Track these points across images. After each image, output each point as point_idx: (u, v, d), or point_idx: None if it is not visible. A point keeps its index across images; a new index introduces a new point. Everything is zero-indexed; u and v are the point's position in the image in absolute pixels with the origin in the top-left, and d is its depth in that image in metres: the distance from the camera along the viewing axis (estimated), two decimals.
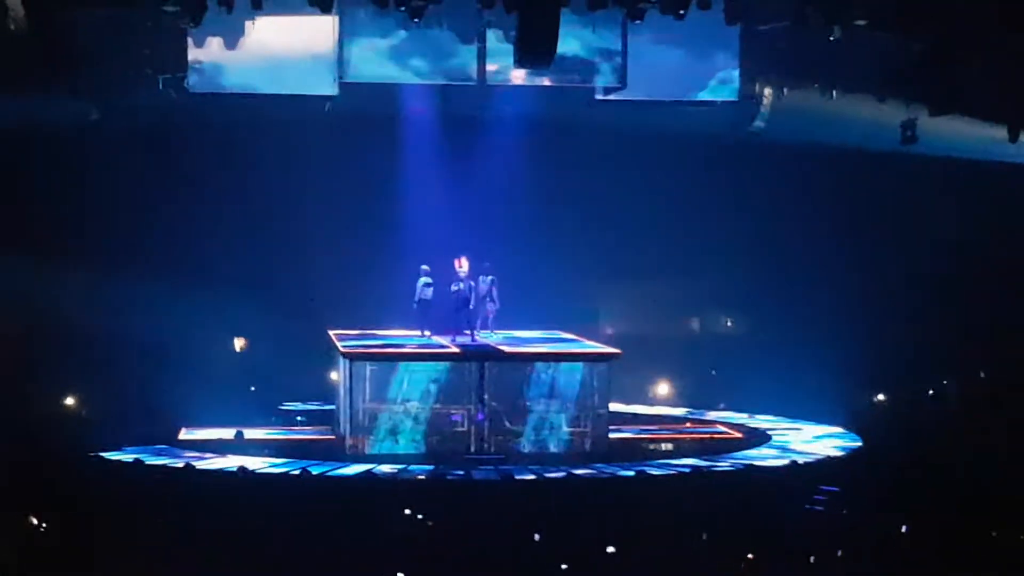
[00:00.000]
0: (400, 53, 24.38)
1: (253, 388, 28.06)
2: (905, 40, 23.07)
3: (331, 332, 25.77)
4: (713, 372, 30.11)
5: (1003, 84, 23.56)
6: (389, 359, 23.72)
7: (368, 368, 23.47)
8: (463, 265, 24.93)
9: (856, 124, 25.75)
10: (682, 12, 22.44)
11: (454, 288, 24.91)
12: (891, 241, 29.41)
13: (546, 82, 25.09)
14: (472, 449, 23.38)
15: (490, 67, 24.73)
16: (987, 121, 24.79)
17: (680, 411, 28.59)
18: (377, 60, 24.33)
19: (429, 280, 25.27)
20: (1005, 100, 24.04)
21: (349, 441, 23.65)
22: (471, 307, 24.98)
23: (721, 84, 25.22)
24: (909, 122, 24.49)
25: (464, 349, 24.11)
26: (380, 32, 24.12)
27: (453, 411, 23.48)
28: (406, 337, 25.54)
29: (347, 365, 23.82)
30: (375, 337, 25.60)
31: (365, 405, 23.38)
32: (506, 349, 24.20)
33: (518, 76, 24.57)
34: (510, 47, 23.19)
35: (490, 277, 25.29)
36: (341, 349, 24.44)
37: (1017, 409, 24.75)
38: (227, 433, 24.57)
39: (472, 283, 24.96)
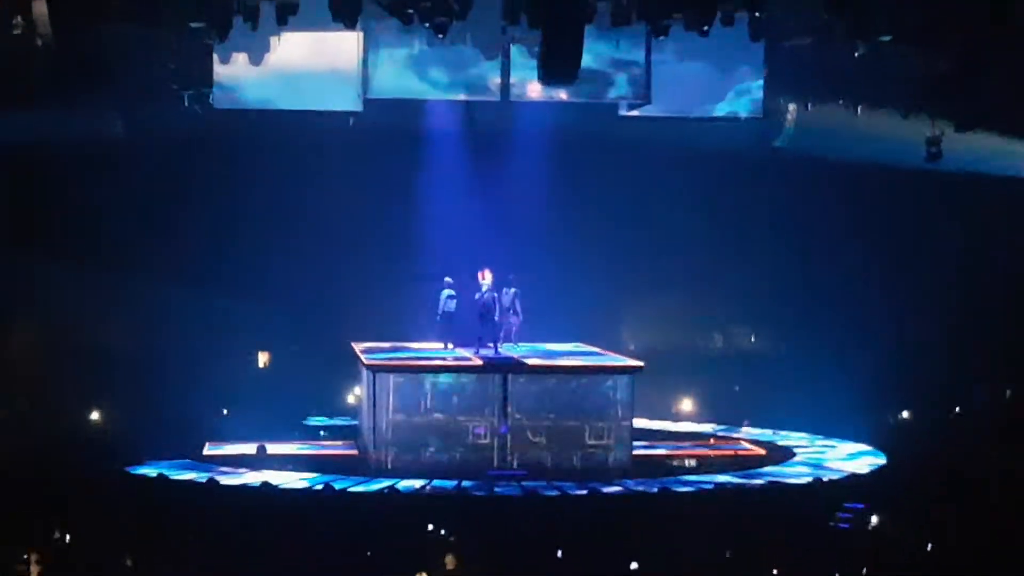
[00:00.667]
0: (424, 68, 24.39)
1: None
2: (930, 56, 22.98)
3: (355, 345, 25.80)
4: (736, 388, 30.05)
5: None
6: (413, 371, 23.72)
7: (392, 380, 23.45)
8: (486, 277, 24.97)
9: (881, 140, 25.70)
10: (706, 28, 22.39)
11: (477, 299, 24.93)
12: (917, 257, 29.30)
13: (563, 96, 24.92)
14: (495, 462, 23.34)
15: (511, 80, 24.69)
16: (1013, 137, 24.71)
17: (704, 427, 28.51)
18: (401, 76, 24.30)
19: (453, 292, 25.32)
20: None
21: (373, 455, 23.64)
22: (495, 319, 24.99)
23: (739, 96, 25.11)
24: (934, 138, 24.38)
25: (487, 361, 24.10)
26: (404, 48, 24.10)
27: (476, 423, 23.44)
28: (430, 350, 25.55)
29: (371, 377, 23.82)
30: (399, 350, 25.62)
31: (389, 417, 23.35)
32: (529, 361, 24.19)
33: (535, 90, 24.46)
34: (532, 62, 23.21)
35: (513, 289, 25.33)
36: (365, 362, 24.45)
37: None
38: (251, 448, 24.60)
39: (496, 295, 24.98)
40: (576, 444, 23.58)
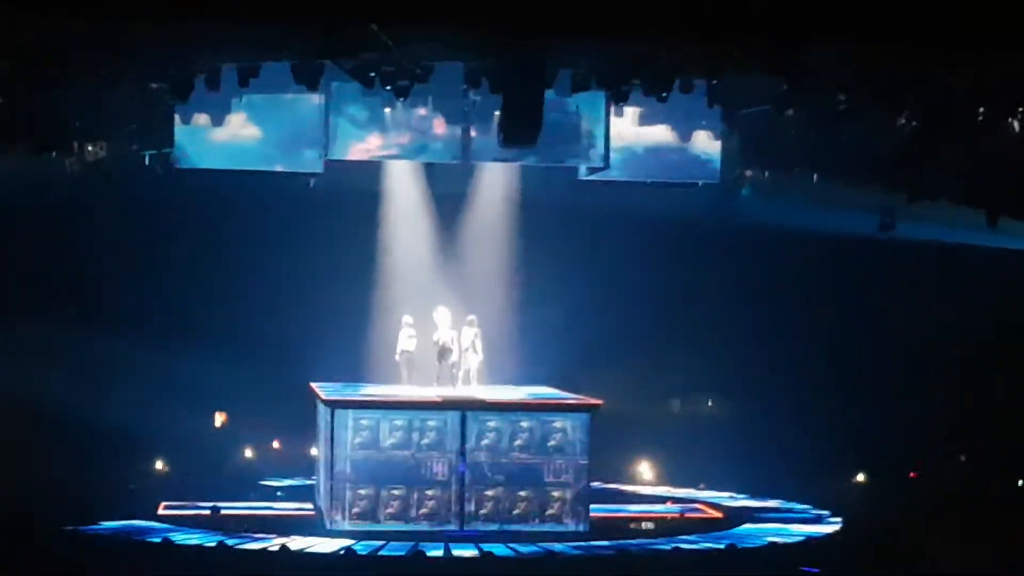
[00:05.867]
0: (385, 131, 24.55)
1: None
2: (885, 125, 23.27)
3: (313, 384, 25.70)
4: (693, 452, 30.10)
5: (982, 169, 23.78)
6: (371, 407, 23.63)
7: (350, 416, 23.36)
8: (443, 315, 25.05)
9: (837, 208, 26.01)
10: (665, 95, 22.69)
11: (436, 338, 24.96)
12: (874, 323, 29.54)
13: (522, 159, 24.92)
14: (452, 500, 23.22)
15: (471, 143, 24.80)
16: (966, 206, 25.01)
17: (661, 490, 28.53)
18: (362, 138, 24.49)
19: (412, 332, 25.41)
20: (984, 185, 24.25)
21: (330, 493, 23.39)
22: (454, 358, 25.04)
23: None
24: (887, 208, 24.68)
25: (446, 399, 24.09)
26: (365, 110, 24.28)
27: (435, 460, 23.38)
28: (389, 389, 25.49)
29: (329, 414, 23.69)
30: (358, 388, 25.57)
31: (347, 453, 23.23)
32: (488, 399, 24.20)
33: (495, 152, 24.52)
34: (493, 125, 23.41)
35: (474, 330, 25.37)
36: (323, 397, 24.38)
37: (996, 492, 24.90)
38: (205, 510, 24.47)
39: (455, 334, 25.04)
40: (535, 482, 23.56)
